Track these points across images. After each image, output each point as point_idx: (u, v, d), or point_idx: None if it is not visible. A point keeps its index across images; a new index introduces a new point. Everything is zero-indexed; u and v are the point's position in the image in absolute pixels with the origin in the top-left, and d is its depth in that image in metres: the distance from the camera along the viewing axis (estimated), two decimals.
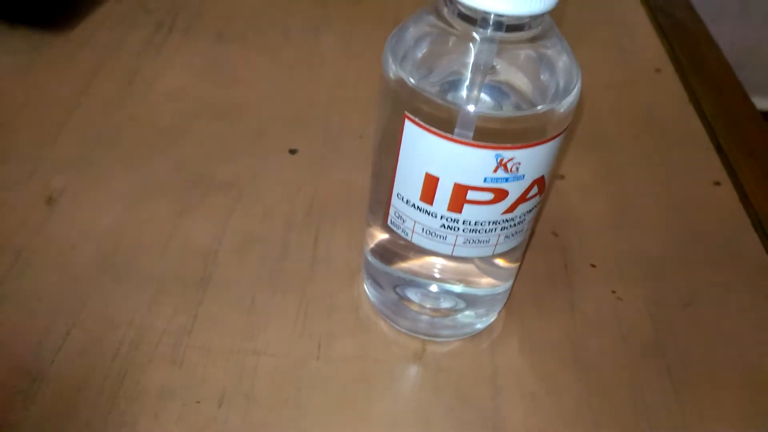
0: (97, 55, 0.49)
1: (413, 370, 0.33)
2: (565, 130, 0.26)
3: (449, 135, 0.25)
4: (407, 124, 0.26)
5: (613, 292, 0.37)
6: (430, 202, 0.27)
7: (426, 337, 0.34)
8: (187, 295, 0.35)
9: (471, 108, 0.25)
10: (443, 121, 0.25)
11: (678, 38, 0.58)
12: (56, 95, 0.46)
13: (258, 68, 0.50)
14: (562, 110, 0.26)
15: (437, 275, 0.32)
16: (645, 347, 0.35)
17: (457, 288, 0.33)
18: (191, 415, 0.30)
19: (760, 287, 0.38)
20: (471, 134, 0.25)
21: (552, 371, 0.33)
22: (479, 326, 0.35)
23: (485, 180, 0.26)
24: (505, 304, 0.35)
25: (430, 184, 0.27)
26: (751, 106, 0.52)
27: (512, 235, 0.29)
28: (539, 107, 0.26)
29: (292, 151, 0.43)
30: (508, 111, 0.27)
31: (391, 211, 0.29)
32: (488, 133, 0.25)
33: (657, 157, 0.46)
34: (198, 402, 0.31)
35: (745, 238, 0.41)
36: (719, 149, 0.47)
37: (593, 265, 0.38)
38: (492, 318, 0.35)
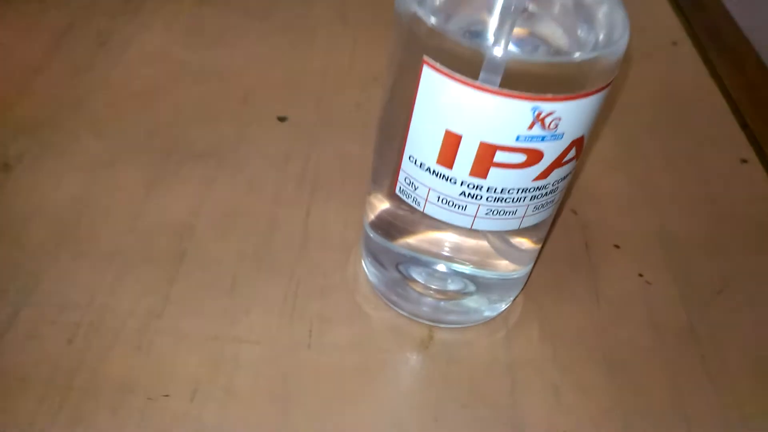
0: (69, 15, 0.44)
1: (419, 361, 0.29)
2: (610, 83, 0.22)
3: (477, 83, 0.21)
4: (426, 70, 0.21)
5: (641, 275, 0.33)
6: (450, 165, 0.23)
7: (429, 323, 0.30)
8: (158, 273, 0.30)
9: (499, 50, 0.21)
10: (469, 67, 0.21)
11: (693, 10, 0.55)
12: (21, 56, 0.41)
13: (244, 31, 0.45)
14: (609, 59, 0.22)
15: (446, 253, 0.28)
16: (678, 336, 0.31)
17: (467, 269, 0.29)
18: (158, 410, 0.26)
19: None
20: (498, 80, 0.21)
21: (576, 363, 0.29)
22: (488, 314, 0.31)
23: (518, 138, 0.22)
24: (522, 289, 0.31)
25: (451, 143, 0.22)
26: None
27: (542, 206, 0.25)
28: (577, 55, 0.21)
29: (281, 119, 0.39)
30: (543, 56, 0.23)
31: (401, 176, 0.25)
32: (522, 82, 0.21)
33: (679, 132, 0.43)
34: (166, 396, 0.26)
35: None
36: (744, 125, 0.44)
37: (617, 246, 0.35)
38: (504, 305, 0.31)
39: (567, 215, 0.36)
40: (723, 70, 0.48)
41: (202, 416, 0.26)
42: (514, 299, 0.31)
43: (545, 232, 0.29)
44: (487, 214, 0.24)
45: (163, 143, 0.36)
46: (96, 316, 0.28)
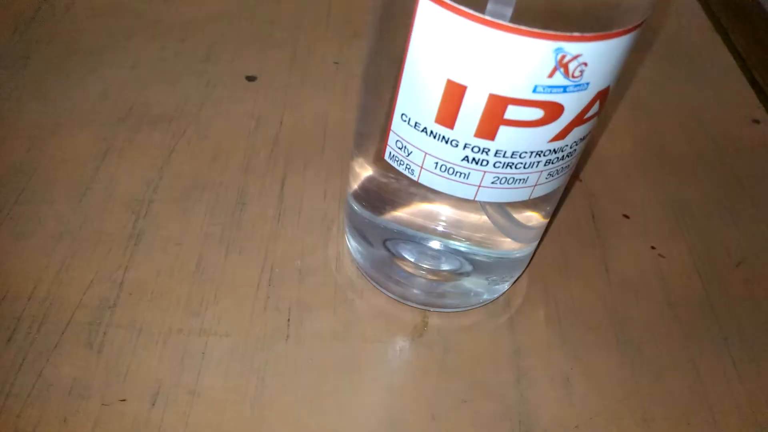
0: None
1: (412, 351, 0.25)
2: (645, 21, 0.19)
3: (487, 17, 0.17)
4: (422, 2, 0.17)
5: (653, 248, 0.30)
6: (451, 124, 0.19)
7: (422, 307, 0.26)
8: (110, 256, 0.26)
9: None
10: None
11: None
12: None
13: None
14: None
15: (440, 228, 0.25)
16: (696, 315, 0.28)
17: (463, 246, 0.26)
18: (114, 417, 0.22)
19: None
20: (509, 12, 0.17)
21: (587, 347, 0.26)
22: (488, 296, 0.27)
23: (535, 89, 0.18)
24: (525, 269, 0.28)
25: (454, 96, 0.19)
26: None
27: (557, 172, 0.21)
28: None
29: (250, 78, 0.34)
30: None
31: (391, 139, 0.21)
32: (541, 17, 0.17)
33: (686, 91, 0.39)
34: (123, 400, 0.23)
35: None
36: (754, 83, 0.40)
37: (626, 216, 0.31)
38: (506, 286, 0.27)
39: (571, 183, 0.32)
40: (728, 23, 0.45)
41: (165, 423, 0.22)
42: (517, 279, 0.28)
43: (555, 203, 0.25)
44: (493, 182, 0.21)
45: (115, 107, 0.32)
46: (39, 308, 0.24)
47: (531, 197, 0.22)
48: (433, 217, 0.24)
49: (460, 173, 0.20)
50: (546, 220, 0.26)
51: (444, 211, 0.24)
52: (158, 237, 0.27)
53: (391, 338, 0.25)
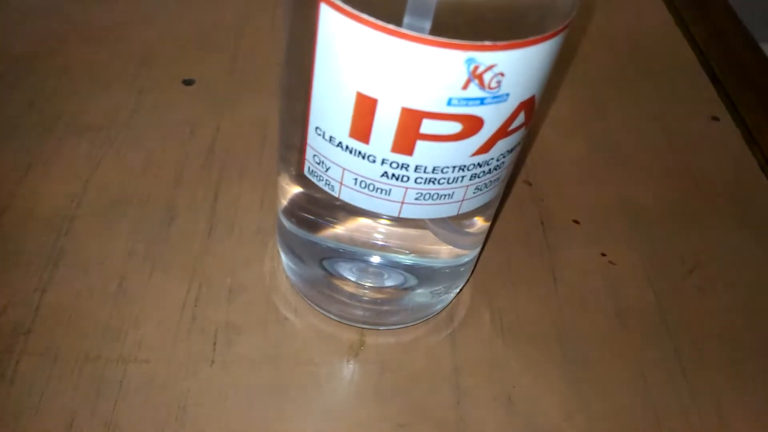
0: None
1: (348, 373, 0.24)
2: (568, 25, 0.17)
3: (392, 27, 0.15)
4: (324, 10, 0.16)
5: (603, 254, 0.29)
6: (366, 139, 0.18)
7: (366, 326, 0.25)
8: (27, 278, 0.25)
9: None
10: (382, 2, 0.16)
11: None
12: None
13: None
14: None
15: (380, 243, 0.23)
16: (646, 324, 0.27)
17: (407, 259, 0.24)
18: None
19: None
20: (428, 25, 0.16)
21: (532, 363, 0.25)
22: (439, 307, 0.26)
23: (450, 102, 0.17)
24: (470, 276, 0.27)
25: (365, 110, 0.17)
26: (746, 31, 0.44)
27: (485, 186, 0.20)
28: None
29: (187, 82, 0.33)
30: None
31: (309, 153, 0.20)
32: (454, 25, 0.16)
33: (644, 89, 0.38)
34: None
35: (753, 182, 0.34)
36: (714, 79, 0.39)
37: (576, 221, 0.30)
38: (450, 297, 0.26)
39: (520, 187, 0.31)
40: (689, 16, 0.44)
41: None
42: (461, 289, 0.27)
43: (495, 207, 0.24)
44: (417, 198, 0.19)
45: (43, 116, 0.30)
46: None
47: (460, 212, 0.20)
48: (371, 231, 0.23)
49: (381, 189, 0.19)
50: (488, 223, 0.25)
51: (382, 225, 0.23)
52: (79, 256, 0.26)
53: (324, 360, 0.24)
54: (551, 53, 0.17)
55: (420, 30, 0.16)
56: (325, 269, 0.24)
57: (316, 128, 0.19)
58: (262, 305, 0.25)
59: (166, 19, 0.36)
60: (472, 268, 0.27)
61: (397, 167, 0.18)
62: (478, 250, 0.26)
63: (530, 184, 0.31)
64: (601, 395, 0.25)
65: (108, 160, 0.29)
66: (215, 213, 0.28)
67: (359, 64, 0.16)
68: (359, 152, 0.18)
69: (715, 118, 0.37)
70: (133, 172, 0.29)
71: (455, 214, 0.20)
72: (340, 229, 0.23)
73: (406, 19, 0.16)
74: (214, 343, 0.24)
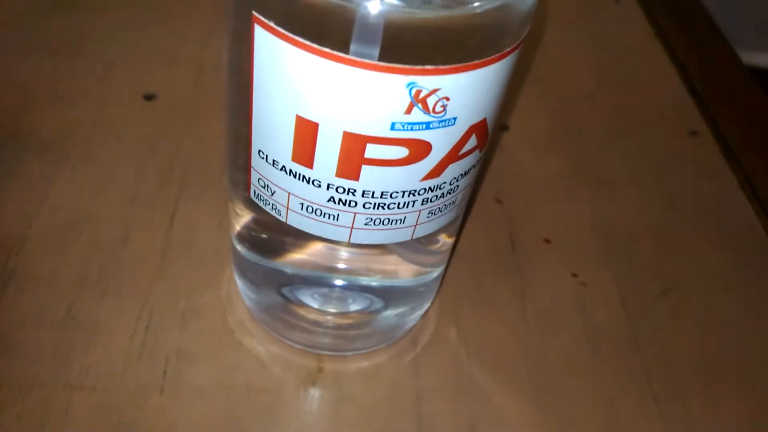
0: None
1: (303, 402, 0.23)
2: (519, 45, 0.17)
3: (328, 50, 0.15)
4: (258, 32, 0.15)
5: (574, 275, 0.28)
6: (309, 163, 0.17)
7: (328, 353, 0.24)
8: None
9: (375, 4, 0.14)
10: (318, 26, 0.15)
11: None
12: None
13: None
14: (520, 8, 0.16)
15: (342, 266, 0.23)
16: (617, 349, 0.26)
17: (372, 281, 0.24)
18: None
19: (755, 262, 0.30)
20: (376, 52, 0.15)
21: (497, 390, 0.24)
22: (404, 329, 0.25)
23: (393, 127, 0.16)
24: (436, 296, 0.26)
25: (306, 134, 0.16)
26: (726, 44, 0.43)
27: (439, 210, 0.19)
28: (477, 4, 0.15)
29: (148, 97, 0.32)
30: (436, 9, 0.16)
31: (254, 177, 0.19)
32: (398, 48, 0.15)
33: (621, 103, 0.37)
34: None
35: (733, 200, 0.33)
36: (693, 92, 0.39)
37: (547, 241, 0.29)
38: (416, 318, 0.25)
39: (490, 205, 0.30)
40: (670, 30, 0.43)
41: None
42: (427, 310, 0.26)
43: (458, 223, 0.23)
44: (367, 224, 0.19)
45: None
46: None
47: (415, 237, 0.20)
48: (333, 254, 0.22)
49: (329, 215, 0.18)
50: (452, 239, 0.24)
51: (343, 247, 0.22)
52: (29, 279, 0.25)
53: (279, 388, 0.23)
54: (499, 76, 0.16)
55: (369, 57, 0.15)
56: (284, 296, 0.23)
57: (259, 151, 0.18)
58: (216, 331, 0.24)
59: (128, 34, 0.35)
60: (438, 286, 0.26)
61: (344, 192, 0.18)
62: (443, 266, 0.25)
63: (501, 203, 0.31)
64: (570, 423, 0.24)
65: (63, 179, 0.28)
66: (172, 234, 0.27)
67: (297, 88, 0.16)
68: (303, 176, 0.17)
69: (694, 133, 0.36)
70: (89, 191, 0.28)
71: (409, 239, 0.20)
72: (298, 254, 0.22)
73: (352, 47, 0.15)
74: (165, 371, 0.23)
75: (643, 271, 0.29)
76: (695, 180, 0.34)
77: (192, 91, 0.33)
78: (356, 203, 0.18)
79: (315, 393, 0.23)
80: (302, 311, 0.23)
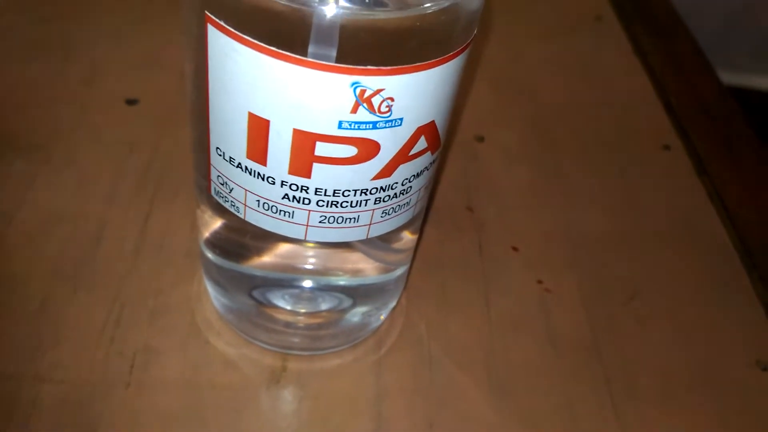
0: None
1: (266, 399, 0.24)
2: (464, 49, 0.17)
3: (276, 49, 0.15)
4: (211, 31, 0.16)
5: (540, 282, 0.29)
6: (263, 160, 0.18)
7: (296, 352, 0.25)
8: None
9: (330, 6, 0.15)
10: (269, 25, 0.16)
11: None
12: None
13: None
14: (464, 11, 0.17)
15: (309, 266, 0.23)
16: (579, 354, 0.27)
17: (340, 280, 0.24)
18: None
19: (721, 273, 0.31)
20: (334, 54, 0.16)
21: (458, 391, 0.25)
22: (370, 329, 0.26)
23: (341, 125, 0.17)
24: (401, 298, 0.27)
25: (259, 131, 0.17)
26: (704, 59, 0.44)
27: (393, 210, 0.20)
28: (429, 4, 0.16)
29: (131, 102, 0.33)
30: (390, 10, 0.17)
31: (213, 174, 0.20)
32: (345, 48, 0.16)
33: (596, 116, 0.38)
34: None
35: (701, 212, 0.33)
36: (668, 107, 0.40)
37: (515, 248, 0.30)
38: (384, 314, 0.26)
39: (460, 213, 0.31)
40: (649, 46, 0.44)
41: None
42: (393, 311, 0.26)
43: (420, 220, 0.24)
44: (321, 222, 0.19)
45: None
46: None
47: (370, 236, 0.20)
48: (300, 255, 0.23)
49: (284, 212, 0.19)
50: (415, 236, 0.24)
51: (310, 248, 0.22)
52: (4, 274, 0.25)
53: (243, 386, 0.24)
54: (445, 78, 0.17)
55: (327, 58, 0.16)
56: (255, 299, 0.24)
57: (217, 148, 0.19)
58: (184, 328, 0.25)
59: (113, 39, 0.36)
60: (404, 284, 0.26)
61: (297, 189, 0.18)
62: (408, 264, 0.25)
63: (471, 210, 0.31)
64: (526, 424, 0.24)
65: (43, 178, 0.29)
66: (145, 234, 0.27)
67: (248, 86, 0.16)
68: (258, 173, 0.18)
69: (667, 147, 0.37)
70: (67, 190, 0.28)
71: (364, 238, 0.20)
72: (266, 257, 0.23)
73: (311, 49, 0.16)
74: (132, 366, 0.23)
75: (609, 280, 0.30)
76: (665, 192, 0.34)
77: (173, 97, 0.33)
78: (310, 201, 0.19)
79: (278, 391, 0.24)
80: (273, 312, 0.24)
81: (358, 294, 0.24)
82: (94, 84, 0.33)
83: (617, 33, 0.45)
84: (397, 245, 0.24)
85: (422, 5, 0.16)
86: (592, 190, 0.34)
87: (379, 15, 0.16)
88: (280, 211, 0.19)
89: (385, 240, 0.23)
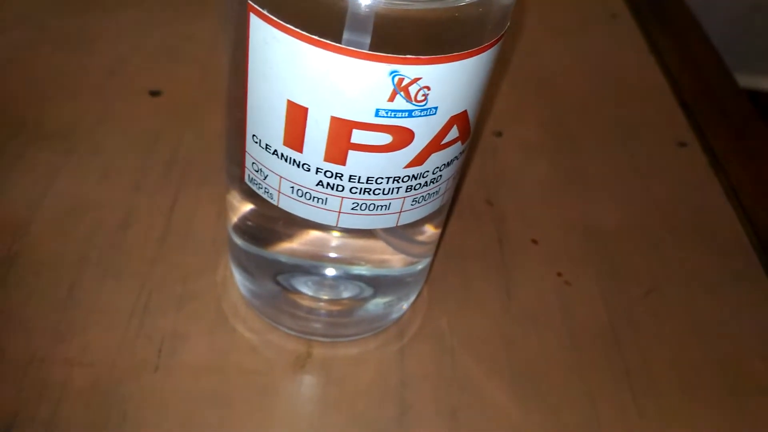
0: None
1: (292, 384, 0.24)
2: (498, 40, 0.18)
3: (317, 38, 0.16)
4: (253, 20, 0.16)
5: (559, 274, 0.29)
6: (299, 147, 0.18)
7: (319, 338, 0.25)
8: None
9: None
10: (309, 13, 0.16)
11: None
12: None
13: None
14: (499, 4, 0.17)
15: (333, 255, 0.24)
16: (598, 345, 0.27)
17: (362, 270, 0.25)
18: None
19: (736, 267, 0.31)
20: (368, 41, 0.16)
21: (480, 380, 0.25)
22: (392, 318, 0.26)
23: (377, 113, 0.17)
24: (423, 289, 0.27)
25: (297, 118, 0.18)
26: (719, 58, 0.45)
27: (423, 198, 0.20)
28: None
29: (154, 93, 0.33)
30: (422, 1, 0.17)
31: (248, 161, 0.20)
32: (383, 38, 0.16)
33: (613, 113, 0.39)
34: None
35: (717, 209, 0.34)
36: (684, 105, 0.40)
37: (534, 241, 0.30)
38: (403, 309, 0.26)
39: (480, 206, 0.31)
40: (664, 44, 0.44)
41: None
42: (415, 302, 0.27)
43: (444, 215, 0.24)
44: (354, 208, 0.20)
45: (7, 123, 0.31)
46: None
47: (399, 223, 0.21)
48: (325, 243, 0.23)
49: (318, 198, 0.19)
50: (438, 230, 0.25)
51: (336, 236, 0.23)
52: (33, 260, 0.26)
53: (269, 370, 0.24)
54: (479, 69, 0.17)
55: (360, 45, 0.16)
56: (279, 284, 0.24)
57: (253, 136, 0.19)
58: (210, 314, 0.25)
59: (137, 32, 0.37)
60: (425, 277, 0.27)
61: (332, 176, 0.19)
62: (430, 258, 0.26)
63: (491, 204, 0.31)
64: (547, 413, 0.25)
65: (69, 167, 0.29)
66: (171, 222, 0.28)
67: (288, 73, 0.17)
68: (294, 160, 0.19)
69: (683, 144, 0.37)
70: (93, 179, 0.29)
71: (394, 225, 0.21)
72: (293, 244, 0.23)
73: (345, 35, 0.16)
74: (160, 350, 0.24)
75: (627, 273, 0.30)
76: (681, 188, 0.35)
77: (196, 89, 0.34)
78: (343, 187, 0.19)
79: (303, 376, 0.24)
80: (296, 298, 0.24)
81: (379, 284, 0.25)
82: (117, 76, 0.34)
83: (632, 31, 0.45)
84: (421, 238, 0.24)
85: None
86: (609, 185, 0.34)
87: (414, 5, 0.17)
88: (314, 197, 0.19)
89: (410, 232, 0.23)
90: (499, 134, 0.36)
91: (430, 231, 0.24)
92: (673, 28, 0.47)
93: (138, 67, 0.34)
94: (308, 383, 0.24)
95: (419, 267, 0.25)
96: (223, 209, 0.28)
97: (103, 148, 0.30)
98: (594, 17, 0.46)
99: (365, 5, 0.16)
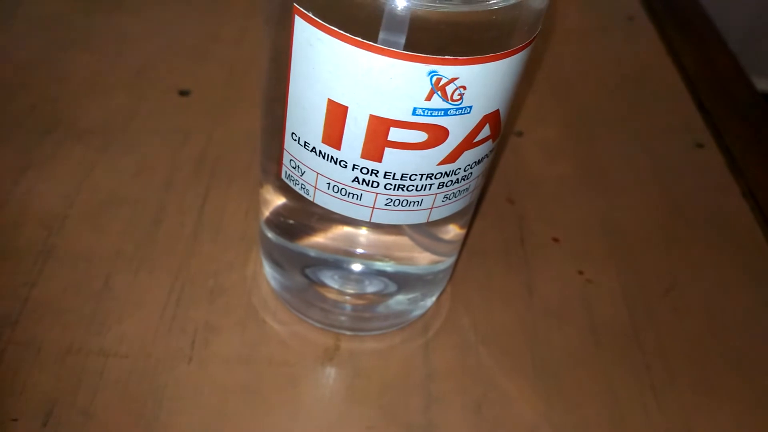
0: None
1: (321, 376, 0.25)
2: (531, 42, 0.18)
3: (359, 39, 0.16)
4: (298, 21, 0.17)
5: (581, 272, 0.30)
6: (337, 144, 0.19)
7: (345, 332, 0.26)
8: (18, 272, 0.26)
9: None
10: (352, 16, 0.17)
11: None
12: None
13: None
14: (533, 7, 0.17)
15: (360, 250, 0.24)
16: (619, 341, 0.27)
17: (387, 266, 0.25)
18: None
19: (755, 268, 0.31)
20: (402, 41, 0.17)
21: (503, 374, 0.26)
22: (416, 314, 0.27)
23: (414, 112, 0.18)
24: (446, 285, 0.28)
25: (336, 117, 0.18)
26: (735, 60, 0.45)
27: (453, 195, 0.21)
28: (494, 0, 0.17)
29: (183, 93, 0.34)
30: (457, 4, 0.18)
31: (285, 158, 0.21)
32: (421, 38, 0.17)
33: (631, 114, 0.39)
34: (15, 420, 0.22)
35: (734, 209, 0.34)
36: (701, 107, 0.40)
37: (556, 240, 0.31)
38: (427, 305, 0.27)
39: (502, 205, 0.32)
40: (681, 47, 0.45)
41: None
42: (439, 298, 0.27)
43: (470, 215, 0.25)
44: (387, 204, 0.20)
45: (42, 120, 0.32)
46: None
47: (430, 219, 0.21)
48: (353, 239, 0.24)
49: (353, 194, 0.20)
50: (464, 231, 0.25)
51: (361, 232, 0.24)
52: (68, 253, 0.27)
53: (298, 363, 0.25)
54: (512, 69, 0.18)
55: (395, 45, 0.17)
56: (307, 277, 0.25)
57: (292, 134, 0.20)
58: (241, 307, 0.26)
59: (166, 32, 0.37)
60: (449, 276, 0.27)
61: (367, 173, 0.19)
62: (454, 257, 0.26)
63: (513, 203, 0.32)
64: (570, 407, 0.25)
65: (102, 164, 0.30)
66: (202, 218, 0.29)
67: (330, 73, 0.17)
68: (331, 157, 0.19)
69: (700, 145, 0.38)
70: (126, 175, 0.30)
71: (425, 221, 0.21)
72: (322, 238, 0.24)
73: (381, 35, 0.17)
74: (193, 342, 0.25)
75: (647, 272, 0.30)
76: (700, 189, 0.35)
77: (224, 89, 0.35)
78: (378, 184, 0.20)
79: (332, 368, 0.25)
80: (323, 291, 0.25)
81: (403, 281, 0.25)
82: (147, 75, 0.35)
83: (650, 33, 0.46)
84: (447, 237, 0.25)
85: (487, 1, 0.17)
86: (627, 185, 0.34)
87: (447, 8, 0.17)
88: (349, 193, 0.20)
89: (437, 230, 0.24)
90: (519, 134, 0.36)
91: (455, 231, 0.24)
92: (689, 31, 0.47)
93: (166, 67, 0.35)
94: (336, 375, 0.25)
95: (443, 266, 0.26)
96: (252, 206, 0.29)
97: (135, 145, 0.31)
98: (611, 20, 0.47)
99: (402, 7, 0.16)
